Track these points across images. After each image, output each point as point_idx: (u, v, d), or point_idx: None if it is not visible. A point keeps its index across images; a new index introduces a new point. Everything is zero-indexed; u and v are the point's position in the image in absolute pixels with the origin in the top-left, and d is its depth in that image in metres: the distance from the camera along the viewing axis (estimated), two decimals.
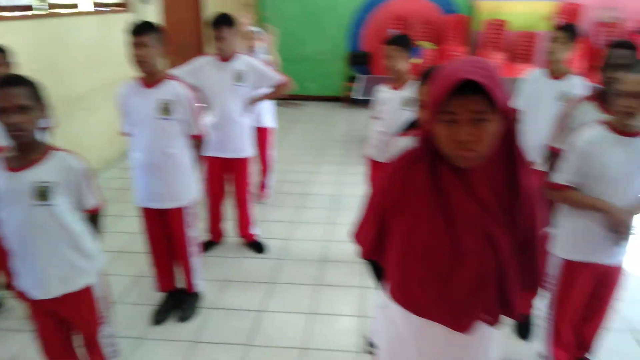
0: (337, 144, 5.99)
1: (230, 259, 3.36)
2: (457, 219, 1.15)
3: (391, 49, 2.66)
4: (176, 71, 2.95)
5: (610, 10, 6.79)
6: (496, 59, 6.83)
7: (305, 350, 2.50)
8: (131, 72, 2.36)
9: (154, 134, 2.34)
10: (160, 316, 2.68)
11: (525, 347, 2.50)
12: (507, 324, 2.63)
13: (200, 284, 2.80)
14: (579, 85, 2.83)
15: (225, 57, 2.97)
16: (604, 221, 1.88)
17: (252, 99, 3.14)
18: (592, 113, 2.20)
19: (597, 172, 1.86)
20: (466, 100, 1.05)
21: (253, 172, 3.50)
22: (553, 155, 2.35)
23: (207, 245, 3.44)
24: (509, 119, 1.11)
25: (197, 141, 2.53)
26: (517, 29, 7.05)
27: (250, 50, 3.97)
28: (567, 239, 2.03)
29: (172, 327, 2.67)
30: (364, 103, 5.59)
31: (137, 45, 2.22)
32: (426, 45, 7.18)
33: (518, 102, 2.94)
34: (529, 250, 1.25)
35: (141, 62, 2.24)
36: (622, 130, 1.84)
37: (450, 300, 1.21)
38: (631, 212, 1.88)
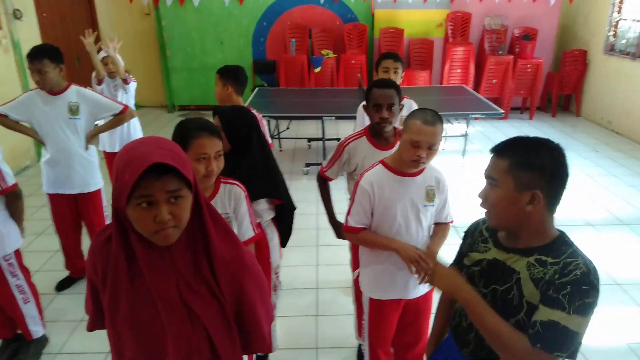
0: None
1: None
2: (154, 292, 1.15)
3: None
4: (1, 107, 2.83)
5: (496, 18, 7.15)
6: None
7: None
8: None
9: None
10: None
11: None
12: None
13: (39, 330, 2.68)
14: (414, 107, 2.96)
15: (54, 90, 2.84)
16: (399, 259, 1.94)
17: (93, 131, 3.04)
18: (365, 147, 2.30)
19: (381, 211, 1.93)
20: (160, 181, 1.06)
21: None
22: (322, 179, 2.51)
23: (67, 282, 3.32)
24: (196, 190, 1.14)
25: (7, 196, 2.36)
26: (412, 36, 7.27)
27: (112, 76, 3.85)
28: (369, 278, 2.08)
29: None
30: None
31: None
32: (326, 54, 7.26)
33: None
34: (245, 314, 1.27)
35: None
36: (401, 171, 1.91)
37: None
38: (420, 248, 1.93)
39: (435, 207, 1.98)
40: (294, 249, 3.80)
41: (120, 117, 3.07)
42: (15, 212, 2.42)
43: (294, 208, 2.39)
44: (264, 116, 5.04)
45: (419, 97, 6.16)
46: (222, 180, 1.87)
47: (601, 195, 4.67)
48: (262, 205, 2.27)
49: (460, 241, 1.58)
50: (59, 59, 2.77)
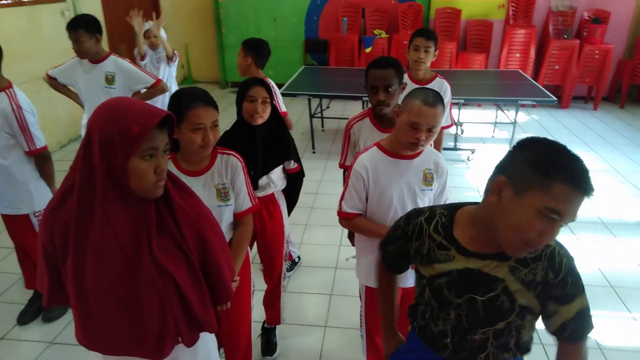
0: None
1: None
2: (124, 250, 1.17)
3: None
4: (52, 70, 3.14)
5: None
6: (447, 48, 6.74)
7: None
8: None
9: None
10: (24, 316, 2.76)
11: None
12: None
13: None
14: (445, 88, 2.86)
15: (93, 59, 2.98)
16: None
17: None
18: (368, 128, 2.22)
19: (376, 196, 1.86)
20: (162, 134, 1.18)
21: None
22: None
23: None
24: None
25: (36, 157, 2.50)
26: (471, 17, 6.93)
27: (154, 48, 3.98)
28: (365, 266, 2.02)
29: (37, 328, 2.75)
30: None
31: None
32: (379, 34, 7.09)
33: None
34: (209, 266, 1.31)
35: None
36: (397, 154, 1.84)
37: (140, 331, 1.23)
38: None
39: (433, 192, 1.89)
40: (320, 228, 3.82)
41: (151, 91, 3.17)
42: (45, 173, 2.57)
43: (304, 175, 2.45)
44: (303, 94, 5.10)
45: (468, 80, 5.95)
46: (219, 150, 1.87)
47: None
48: (278, 174, 2.30)
49: None
50: (95, 29, 2.89)
